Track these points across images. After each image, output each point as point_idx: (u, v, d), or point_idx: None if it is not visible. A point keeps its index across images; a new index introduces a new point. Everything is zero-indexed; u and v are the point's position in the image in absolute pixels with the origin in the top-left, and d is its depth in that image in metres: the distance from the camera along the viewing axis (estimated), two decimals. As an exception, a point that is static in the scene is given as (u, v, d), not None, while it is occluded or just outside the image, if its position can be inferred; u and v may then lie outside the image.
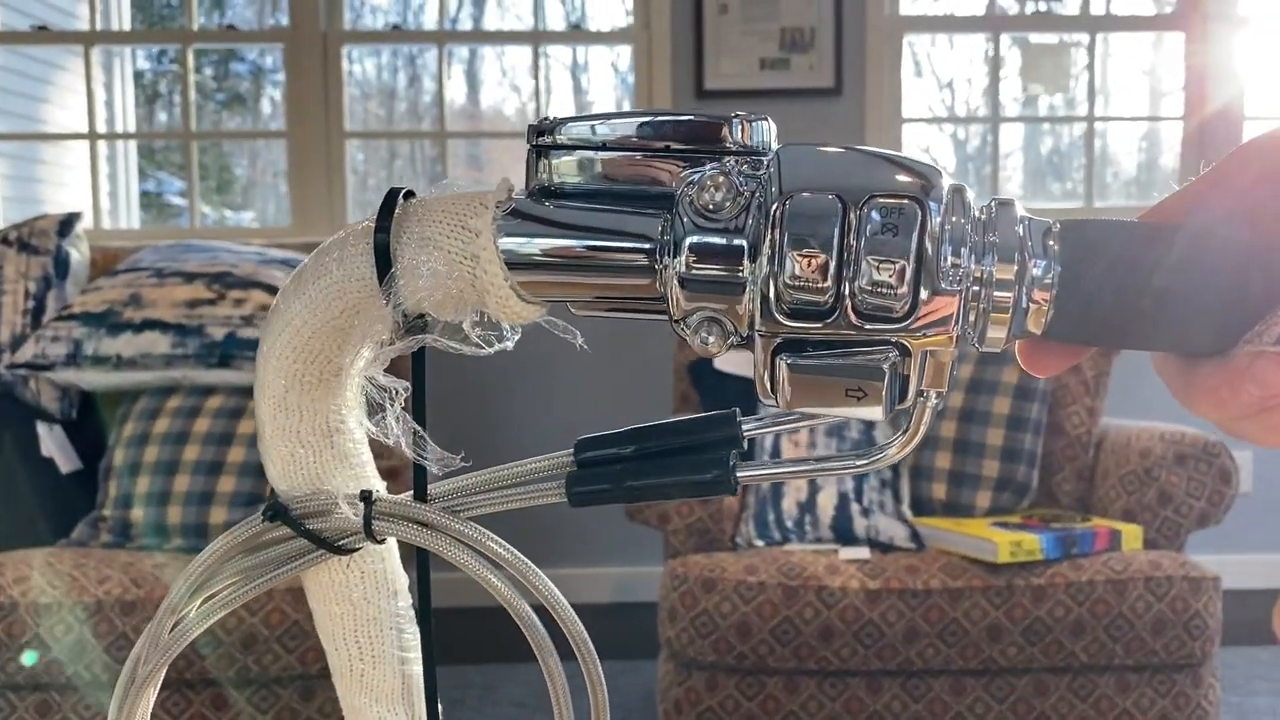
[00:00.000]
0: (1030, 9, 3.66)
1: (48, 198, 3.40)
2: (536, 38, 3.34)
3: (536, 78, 3.36)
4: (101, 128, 3.28)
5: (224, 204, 4.13)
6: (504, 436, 3.11)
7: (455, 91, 3.79)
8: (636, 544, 2.94)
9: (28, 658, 1.78)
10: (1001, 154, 3.53)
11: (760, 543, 2.08)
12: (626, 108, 3.55)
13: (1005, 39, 3.48)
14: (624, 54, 3.55)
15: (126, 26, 3.45)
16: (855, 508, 2.10)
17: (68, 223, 2.36)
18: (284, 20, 3.22)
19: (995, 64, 3.44)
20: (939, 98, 3.84)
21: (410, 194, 0.35)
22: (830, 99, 3.10)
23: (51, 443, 2.14)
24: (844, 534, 2.08)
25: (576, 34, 3.48)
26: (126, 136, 3.55)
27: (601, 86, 3.94)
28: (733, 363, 2.25)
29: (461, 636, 2.50)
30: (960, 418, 2.21)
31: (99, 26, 3.28)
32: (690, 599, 1.91)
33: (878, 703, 1.93)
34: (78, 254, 2.37)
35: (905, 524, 2.10)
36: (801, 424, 0.38)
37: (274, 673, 1.82)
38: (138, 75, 3.71)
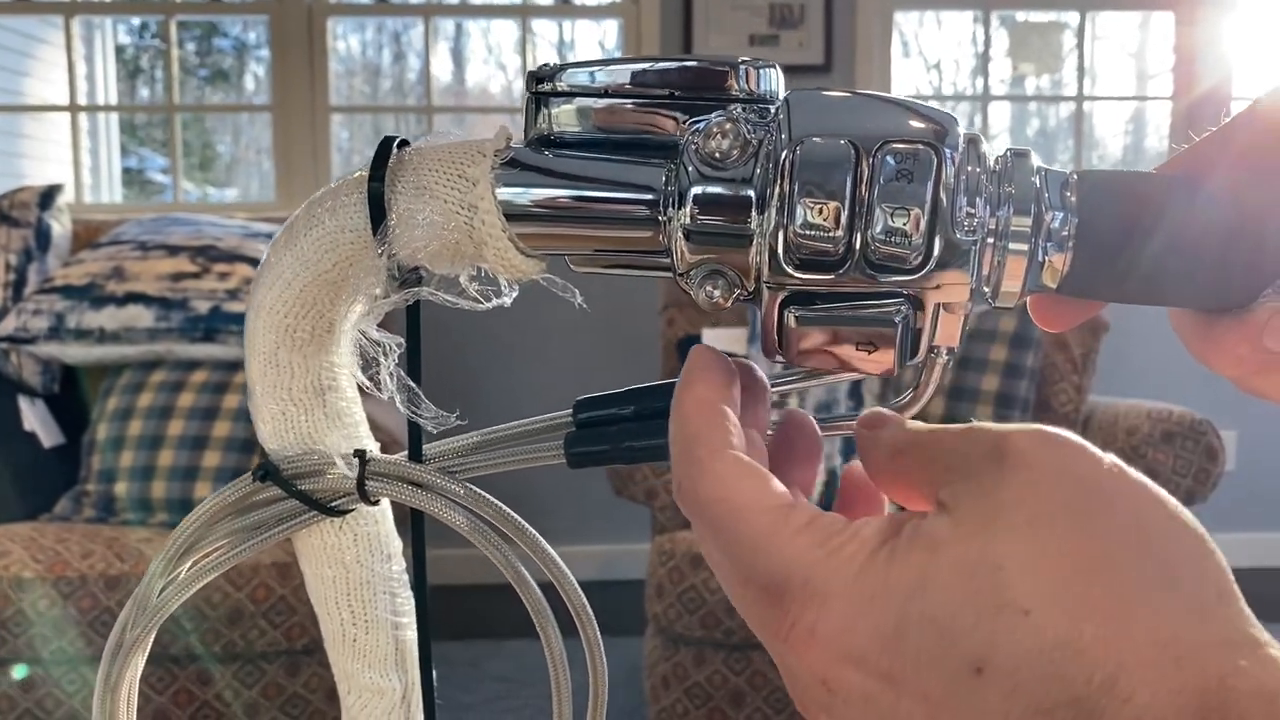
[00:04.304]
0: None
1: (29, 171, 3.36)
2: (524, 11, 3.30)
3: (523, 55, 3.33)
4: (83, 100, 3.24)
5: (207, 181, 4.08)
6: (491, 412, 3.10)
7: (440, 69, 3.75)
8: (623, 520, 2.94)
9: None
10: (989, 134, 3.52)
11: (748, 520, 2.08)
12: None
13: (994, 18, 3.47)
14: (610, 31, 3.52)
15: (107, -2, 3.40)
16: (843, 485, 2.10)
17: (49, 195, 2.33)
18: (268, -8, 3.18)
19: (985, 43, 3.43)
20: (926, 79, 3.82)
21: (405, 143, 0.34)
22: (819, 76, 3.09)
23: (33, 417, 2.12)
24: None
25: (564, 8, 3.44)
26: (109, 109, 3.50)
27: (588, 63, 3.90)
28: (721, 339, 2.24)
29: (446, 612, 2.50)
30: (948, 395, 2.21)
31: (80, -3, 3.23)
32: (678, 575, 1.91)
33: (864, 679, 1.93)
34: (59, 226, 2.34)
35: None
36: (805, 384, 0.37)
37: (260, 648, 1.81)
38: (119, 50, 3.65)
